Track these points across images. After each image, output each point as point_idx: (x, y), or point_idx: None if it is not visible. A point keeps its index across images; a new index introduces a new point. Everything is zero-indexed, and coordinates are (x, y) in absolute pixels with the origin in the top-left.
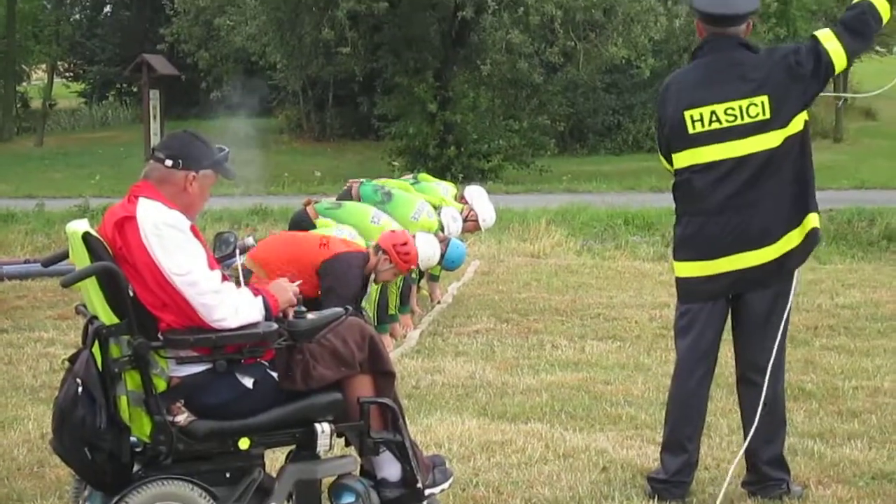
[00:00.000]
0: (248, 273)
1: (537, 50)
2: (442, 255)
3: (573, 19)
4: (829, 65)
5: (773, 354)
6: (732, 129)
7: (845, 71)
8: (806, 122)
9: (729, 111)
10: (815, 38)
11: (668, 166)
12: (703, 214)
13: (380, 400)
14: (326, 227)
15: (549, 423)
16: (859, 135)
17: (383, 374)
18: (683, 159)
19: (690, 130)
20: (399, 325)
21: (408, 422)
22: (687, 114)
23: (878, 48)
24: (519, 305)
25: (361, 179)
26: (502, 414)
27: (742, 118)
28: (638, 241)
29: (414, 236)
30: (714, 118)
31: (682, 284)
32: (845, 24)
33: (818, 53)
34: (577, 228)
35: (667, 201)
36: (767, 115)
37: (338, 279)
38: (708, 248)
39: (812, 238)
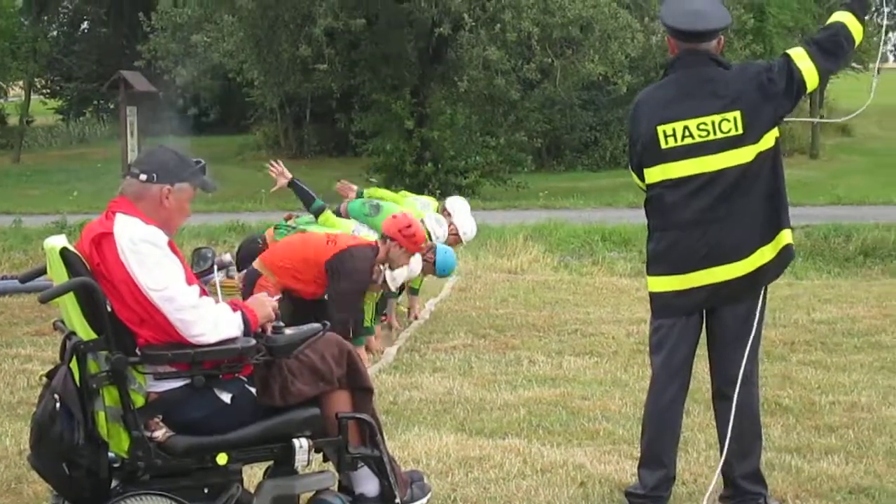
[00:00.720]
0: (255, 274)
1: (514, 66)
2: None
3: (550, 36)
4: (801, 83)
5: (747, 369)
6: (705, 144)
7: (820, 88)
8: (777, 138)
9: (701, 126)
10: (787, 56)
11: (639, 183)
12: (675, 229)
13: (358, 415)
14: (332, 227)
15: (527, 439)
16: (835, 151)
17: (361, 390)
18: (655, 174)
19: (663, 146)
20: (374, 338)
21: (386, 437)
22: (660, 129)
23: (854, 65)
24: (496, 321)
25: (354, 187)
26: (480, 429)
27: (714, 133)
28: (615, 257)
29: (422, 220)
30: (687, 133)
31: (656, 299)
32: (818, 44)
33: (790, 71)
34: (554, 244)
35: (644, 217)
36: (740, 131)
37: (348, 272)
38: (680, 262)
39: (786, 254)
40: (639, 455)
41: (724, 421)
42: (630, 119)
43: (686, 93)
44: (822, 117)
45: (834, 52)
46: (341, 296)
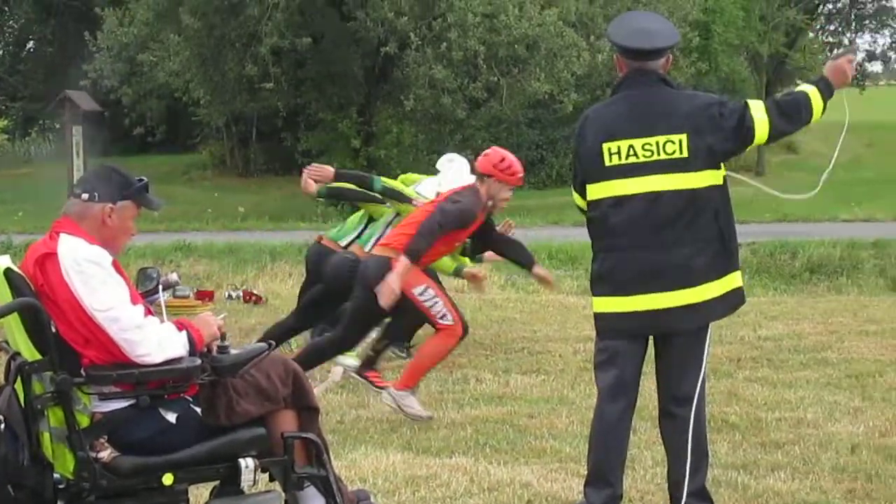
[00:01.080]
0: (384, 261)
1: (461, 85)
2: None
3: (496, 55)
4: (751, 131)
5: (694, 388)
6: (648, 164)
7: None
8: (725, 177)
9: (646, 146)
10: (745, 103)
11: (580, 202)
12: (616, 250)
13: (304, 435)
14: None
15: (474, 457)
16: (781, 168)
17: (307, 409)
18: (598, 191)
19: (607, 163)
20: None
21: (332, 456)
22: (605, 146)
23: (798, 81)
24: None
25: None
26: (427, 448)
27: (658, 154)
28: (562, 275)
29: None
30: (631, 152)
31: (599, 320)
32: (778, 104)
33: (743, 115)
34: (501, 263)
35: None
36: (684, 154)
37: (456, 205)
38: (622, 284)
39: (735, 297)
40: (585, 473)
41: (670, 439)
42: (576, 135)
43: (633, 112)
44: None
45: (791, 114)
46: (433, 220)
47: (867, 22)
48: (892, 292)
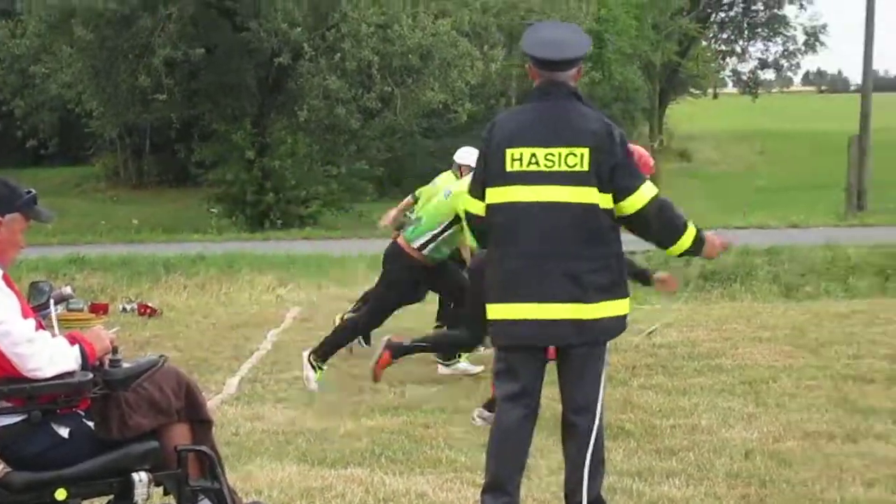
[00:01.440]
0: None
1: (355, 95)
2: None
3: (390, 65)
4: (622, 189)
5: (592, 398)
6: (548, 174)
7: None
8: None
9: (549, 156)
10: (646, 178)
11: (472, 206)
12: (511, 257)
13: (197, 448)
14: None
15: (370, 468)
16: (674, 176)
17: (200, 422)
18: (497, 196)
19: (508, 168)
20: None
21: (227, 469)
22: (508, 151)
23: (692, 90)
24: (339, 351)
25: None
26: (322, 460)
27: (560, 165)
28: None
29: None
30: (533, 160)
31: (492, 326)
32: (666, 204)
33: (631, 173)
34: None
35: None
36: (585, 168)
37: None
38: (514, 292)
39: (618, 323)
40: (482, 482)
41: (569, 448)
42: (484, 139)
43: (541, 121)
44: (661, 143)
45: (664, 220)
46: None
47: (760, 30)
48: (785, 298)
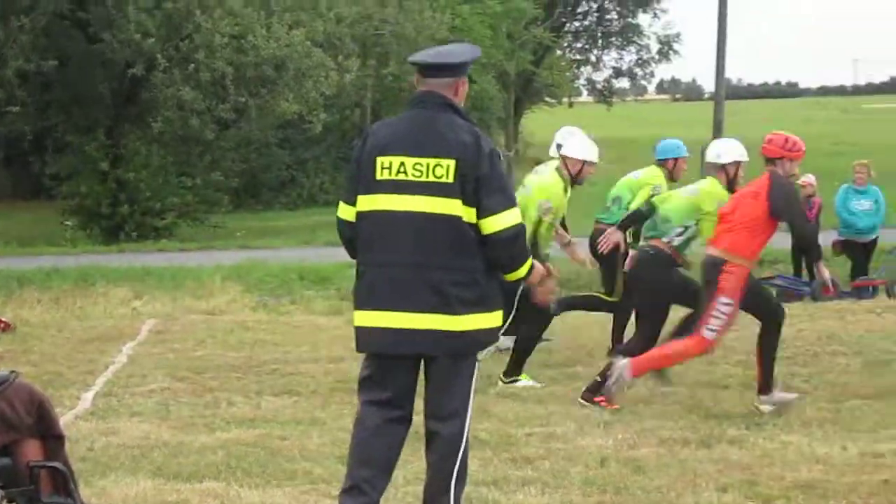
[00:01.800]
0: (719, 261)
1: (209, 106)
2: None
3: (244, 75)
4: (485, 210)
5: (459, 408)
6: (416, 183)
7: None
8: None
9: (417, 166)
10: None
11: (345, 214)
12: (377, 265)
13: (50, 464)
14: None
15: (225, 481)
16: None
17: (53, 438)
18: (366, 203)
19: (378, 176)
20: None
21: (81, 485)
22: (378, 159)
23: (547, 99)
24: (194, 363)
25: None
26: (177, 474)
27: (427, 176)
28: (313, 296)
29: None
30: (401, 169)
31: (357, 333)
32: (518, 236)
33: (496, 193)
34: (252, 284)
35: (341, 255)
36: (450, 180)
37: (789, 191)
38: (379, 299)
39: (491, 335)
40: (336, 493)
41: (432, 457)
42: (359, 146)
43: (413, 130)
44: (516, 152)
45: (512, 249)
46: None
47: (614, 39)
48: None
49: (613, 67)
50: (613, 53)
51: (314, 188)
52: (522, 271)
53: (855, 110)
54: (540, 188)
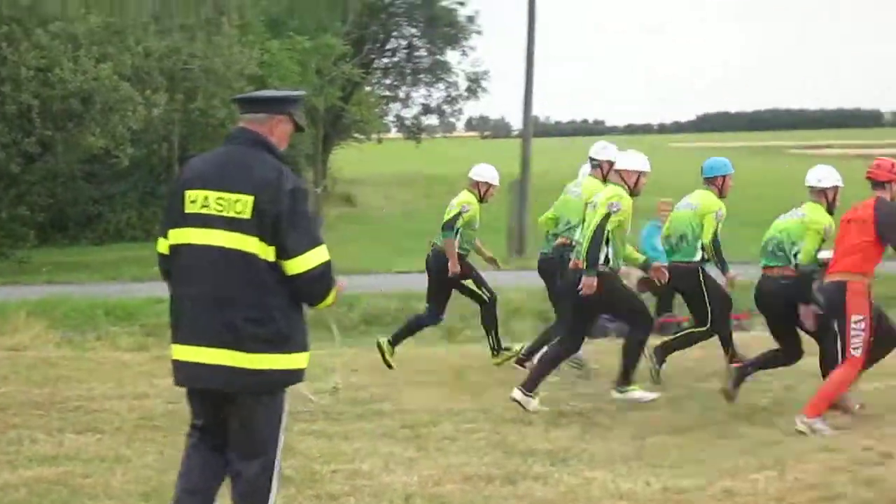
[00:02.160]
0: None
1: (14, 139)
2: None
3: (51, 109)
4: (286, 251)
5: (264, 447)
6: (217, 218)
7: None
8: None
9: (220, 200)
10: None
11: (161, 248)
12: (182, 298)
13: None
14: None
15: None
16: (339, 221)
17: None
18: (176, 237)
19: (186, 210)
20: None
21: None
22: (187, 192)
23: (356, 135)
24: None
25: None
26: None
27: (228, 211)
28: (118, 332)
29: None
30: (205, 203)
31: (172, 367)
32: (325, 272)
33: (298, 233)
34: (57, 320)
35: (147, 290)
36: (248, 216)
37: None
38: (181, 332)
39: (291, 376)
40: None
41: (233, 494)
42: (174, 179)
43: (221, 165)
44: (325, 188)
45: (321, 284)
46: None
47: (422, 76)
48: (447, 342)
49: (422, 104)
50: (422, 90)
51: (121, 223)
52: (330, 299)
53: (662, 148)
54: (606, 197)
